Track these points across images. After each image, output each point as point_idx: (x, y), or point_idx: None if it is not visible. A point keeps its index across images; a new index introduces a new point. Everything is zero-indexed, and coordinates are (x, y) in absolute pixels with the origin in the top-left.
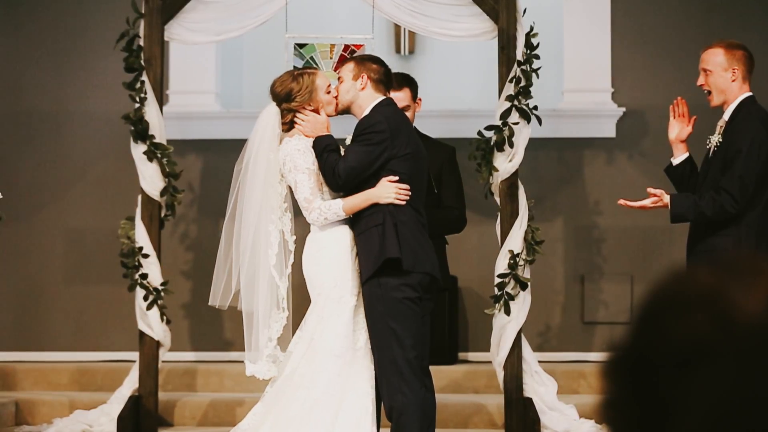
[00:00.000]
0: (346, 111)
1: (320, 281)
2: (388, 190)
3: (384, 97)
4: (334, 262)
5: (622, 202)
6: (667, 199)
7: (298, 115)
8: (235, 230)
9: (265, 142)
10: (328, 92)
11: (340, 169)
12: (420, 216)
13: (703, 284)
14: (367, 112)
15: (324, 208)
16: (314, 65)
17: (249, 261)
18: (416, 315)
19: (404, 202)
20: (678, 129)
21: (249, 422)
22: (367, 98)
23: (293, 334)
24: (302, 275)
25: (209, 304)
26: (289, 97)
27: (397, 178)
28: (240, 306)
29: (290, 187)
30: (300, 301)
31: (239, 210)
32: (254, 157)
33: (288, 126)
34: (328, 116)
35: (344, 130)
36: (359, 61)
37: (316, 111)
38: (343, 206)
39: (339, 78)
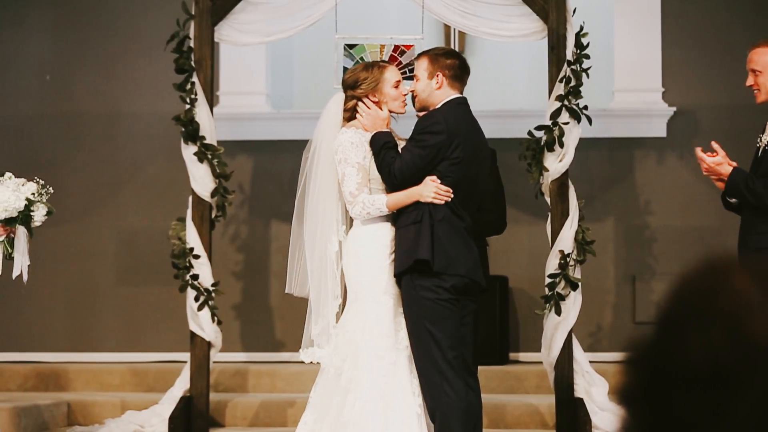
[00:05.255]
0: (424, 109)
1: (358, 279)
2: (429, 189)
3: (456, 96)
4: (371, 260)
5: (699, 151)
6: (728, 168)
7: (360, 104)
8: (305, 219)
9: (329, 130)
10: (396, 87)
11: (395, 169)
12: (460, 220)
13: (732, 299)
14: None
15: (368, 203)
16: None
17: (318, 250)
18: (452, 315)
19: (443, 203)
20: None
21: None
22: (441, 96)
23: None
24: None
25: (285, 292)
26: (356, 84)
27: (438, 180)
28: (299, 293)
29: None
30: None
31: (308, 198)
32: (320, 144)
33: (350, 113)
34: (396, 113)
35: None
36: (433, 58)
37: (379, 105)
38: (386, 202)
39: (415, 77)
